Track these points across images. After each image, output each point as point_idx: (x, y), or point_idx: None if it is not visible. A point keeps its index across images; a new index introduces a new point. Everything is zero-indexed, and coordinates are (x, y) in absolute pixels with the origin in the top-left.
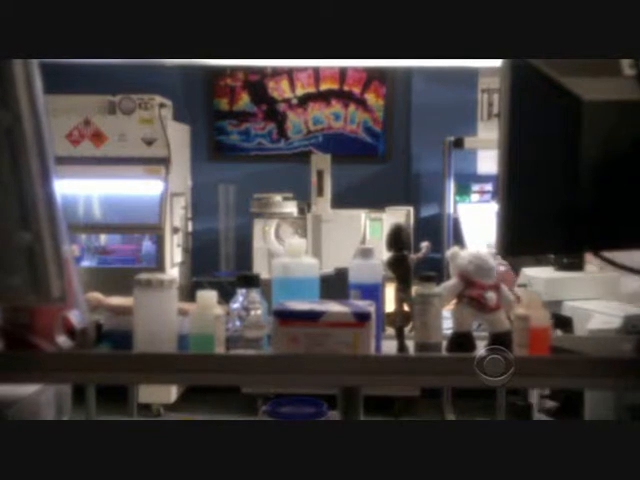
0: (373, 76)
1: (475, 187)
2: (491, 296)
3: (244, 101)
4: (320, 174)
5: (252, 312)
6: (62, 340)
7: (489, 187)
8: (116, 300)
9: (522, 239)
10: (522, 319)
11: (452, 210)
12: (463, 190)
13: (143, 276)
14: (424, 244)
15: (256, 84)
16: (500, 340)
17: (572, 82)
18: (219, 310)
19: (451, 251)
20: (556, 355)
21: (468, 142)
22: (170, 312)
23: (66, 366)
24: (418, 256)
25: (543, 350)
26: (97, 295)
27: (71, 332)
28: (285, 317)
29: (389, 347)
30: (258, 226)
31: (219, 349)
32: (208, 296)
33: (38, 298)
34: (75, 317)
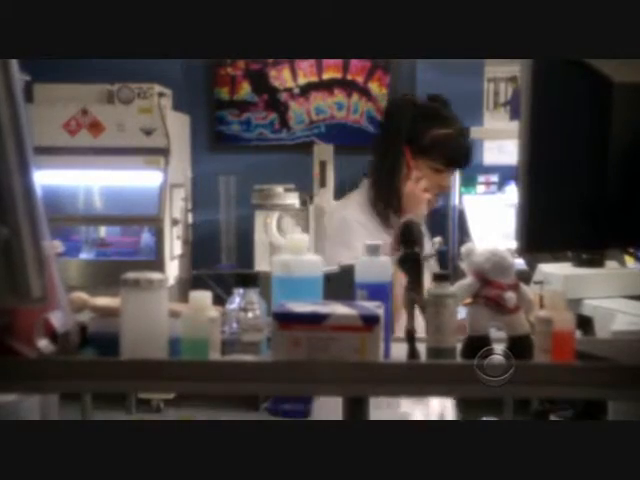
0: (377, 65)
1: (481, 178)
2: (510, 296)
3: (245, 90)
4: (323, 165)
5: (250, 313)
6: (43, 344)
7: (495, 178)
8: (103, 300)
9: (544, 235)
10: (544, 322)
11: (457, 202)
12: (468, 181)
13: (130, 275)
14: (436, 239)
15: (257, 73)
16: (520, 344)
17: (601, 62)
18: (214, 312)
19: (466, 247)
20: (583, 362)
21: (474, 132)
22: (160, 314)
23: (45, 374)
24: (431, 253)
25: (567, 356)
26: (82, 295)
27: (53, 336)
28: (286, 320)
29: (398, 350)
30: (259, 218)
31: (214, 354)
32: (201, 297)
33: (16, 299)
34: (57, 319)
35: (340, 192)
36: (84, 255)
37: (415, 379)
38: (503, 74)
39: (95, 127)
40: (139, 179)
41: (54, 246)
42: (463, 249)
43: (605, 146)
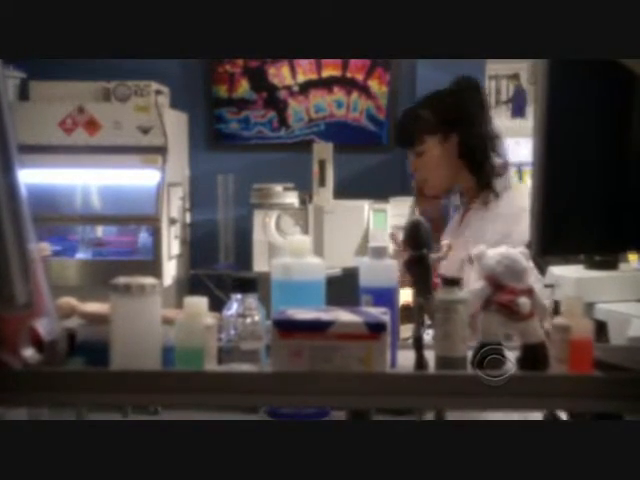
0: (377, 62)
1: None
2: (524, 302)
3: (244, 88)
4: (322, 164)
5: (248, 320)
6: (29, 354)
7: None
8: (92, 306)
9: (561, 237)
10: (561, 329)
11: (458, 201)
12: None
13: (121, 280)
14: (444, 242)
15: (256, 71)
16: (534, 352)
17: None
18: (210, 318)
19: (477, 250)
20: (603, 373)
21: None
22: (152, 321)
23: (31, 385)
24: (439, 256)
25: (585, 366)
26: (70, 300)
27: (39, 344)
28: (286, 328)
29: (405, 359)
30: (258, 217)
31: (210, 363)
32: (197, 302)
33: (0, 305)
34: (44, 327)
35: (339, 191)
36: (81, 255)
37: (424, 391)
38: (505, 71)
39: (91, 125)
40: (136, 178)
41: (41, 249)
42: (474, 252)
43: (626, 142)
